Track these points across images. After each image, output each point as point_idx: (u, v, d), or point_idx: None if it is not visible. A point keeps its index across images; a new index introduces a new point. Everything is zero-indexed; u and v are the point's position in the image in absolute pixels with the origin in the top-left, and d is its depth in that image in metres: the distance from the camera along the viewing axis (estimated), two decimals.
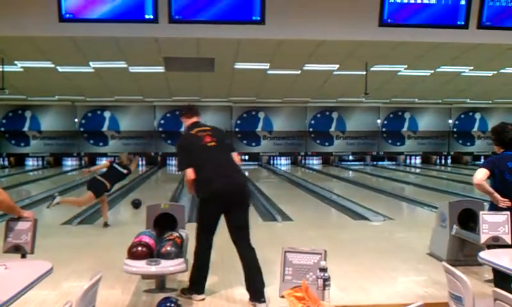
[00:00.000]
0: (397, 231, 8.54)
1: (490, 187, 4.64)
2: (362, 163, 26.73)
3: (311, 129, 26.33)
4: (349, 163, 26.79)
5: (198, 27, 7.77)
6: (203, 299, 4.79)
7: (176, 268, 4.52)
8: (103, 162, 9.64)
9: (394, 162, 26.82)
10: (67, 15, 7.43)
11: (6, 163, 24.43)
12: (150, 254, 4.61)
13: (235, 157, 5.00)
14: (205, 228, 4.80)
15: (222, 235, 8.22)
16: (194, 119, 5.11)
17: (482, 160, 22.89)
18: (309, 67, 15.26)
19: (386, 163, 26.61)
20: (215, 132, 4.96)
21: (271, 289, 4.48)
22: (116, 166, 9.00)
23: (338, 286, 5.04)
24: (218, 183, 4.63)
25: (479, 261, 3.90)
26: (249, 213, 4.86)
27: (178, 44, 11.65)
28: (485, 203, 5.68)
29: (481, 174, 4.59)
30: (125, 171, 8.97)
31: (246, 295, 4.84)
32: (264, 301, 4.54)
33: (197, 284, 4.83)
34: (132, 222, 8.23)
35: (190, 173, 4.72)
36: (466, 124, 27.12)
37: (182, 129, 22.43)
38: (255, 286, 4.63)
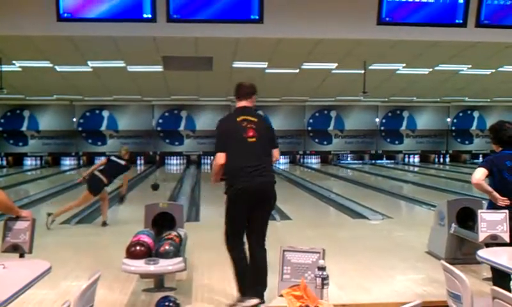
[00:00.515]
0: (395, 230, 8.55)
1: (489, 186, 4.64)
2: (361, 161, 26.75)
3: (309, 128, 26.34)
4: (348, 160, 26.82)
5: (196, 26, 7.76)
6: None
7: (174, 267, 4.52)
8: (99, 161, 9.54)
9: (393, 161, 26.84)
10: (65, 15, 7.42)
11: (4, 163, 24.41)
12: (149, 253, 4.61)
13: (275, 152, 4.75)
14: (236, 230, 4.61)
15: (218, 232, 8.24)
16: (243, 104, 4.73)
17: (481, 158, 22.99)
18: (307, 66, 15.25)
19: (384, 161, 26.63)
20: (259, 126, 4.63)
21: (270, 288, 4.48)
22: (114, 159, 8.99)
23: (336, 284, 5.04)
24: (246, 181, 4.43)
25: (477, 259, 3.90)
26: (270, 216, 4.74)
27: (176, 43, 11.64)
28: (483, 202, 5.68)
29: (479, 174, 4.58)
30: (122, 162, 8.94)
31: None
32: (263, 302, 4.52)
33: (247, 288, 4.59)
34: (131, 221, 8.22)
35: (221, 158, 4.50)
36: (465, 122, 27.12)
37: (181, 128, 22.29)
38: (258, 287, 4.54)
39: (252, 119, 4.63)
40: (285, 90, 20.73)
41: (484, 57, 13.98)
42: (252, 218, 4.59)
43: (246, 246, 4.68)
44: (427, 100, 25.11)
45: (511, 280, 4.46)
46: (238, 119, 4.61)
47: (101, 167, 8.85)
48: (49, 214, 8.52)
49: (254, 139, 4.53)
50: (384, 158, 27.00)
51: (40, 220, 7.45)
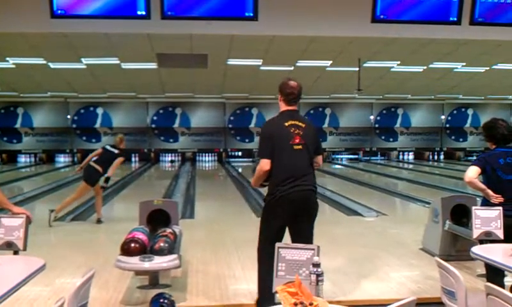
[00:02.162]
0: (390, 227, 8.56)
1: (482, 184, 4.64)
2: (356, 156, 26.77)
3: None
4: (342, 155, 26.85)
5: (191, 23, 7.74)
6: None
7: (169, 264, 4.51)
8: (95, 151, 9.42)
9: (385, 157, 26.90)
10: (59, 11, 7.38)
11: None
12: (143, 250, 4.60)
13: (319, 159, 4.58)
14: (268, 237, 4.28)
15: (212, 230, 8.24)
16: (291, 108, 4.43)
17: (475, 156, 23.05)
18: (302, 63, 15.24)
19: (378, 158, 26.68)
20: (306, 132, 4.37)
21: None
22: (108, 148, 8.98)
23: (331, 281, 5.05)
24: (287, 190, 4.22)
25: (471, 256, 3.91)
26: (313, 225, 4.44)
27: (171, 40, 11.61)
28: (478, 198, 5.70)
29: (472, 172, 4.58)
30: (116, 151, 8.91)
31: (238, 290, 4.86)
32: None
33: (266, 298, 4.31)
34: (125, 218, 8.20)
35: (266, 164, 4.26)
36: (459, 120, 27.21)
37: (176, 125, 22.19)
38: None
39: (301, 124, 4.38)
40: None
41: (478, 54, 14.02)
42: (295, 230, 4.37)
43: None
44: (421, 97, 25.16)
45: (505, 276, 4.49)
46: (286, 124, 4.34)
47: (96, 158, 8.85)
48: (52, 210, 8.52)
49: (300, 147, 4.30)
50: (379, 156, 27.06)
51: (34, 217, 7.43)
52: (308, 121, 4.57)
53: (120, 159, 8.90)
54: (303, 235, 4.21)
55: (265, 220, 4.40)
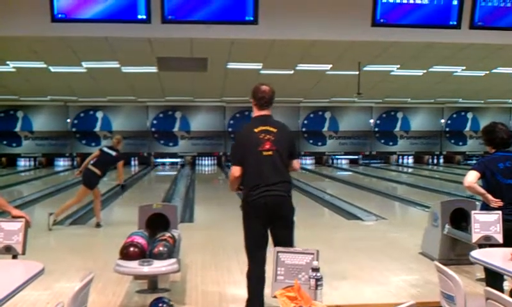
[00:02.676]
0: (389, 231, 8.56)
1: (481, 188, 4.64)
2: (356, 157, 26.73)
3: (304, 129, 26.35)
4: (342, 157, 26.84)
5: (191, 27, 7.75)
6: None
7: (168, 268, 4.50)
8: (93, 154, 9.39)
9: (383, 161, 26.89)
10: (59, 15, 7.39)
11: None
12: (142, 254, 4.59)
13: (295, 163, 4.49)
14: (251, 244, 4.34)
15: (211, 234, 8.24)
16: (263, 113, 4.43)
17: (475, 160, 23.05)
18: (302, 67, 15.25)
19: (378, 162, 26.66)
20: (278, 137, 4.33)
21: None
22: (106, 150, 8.98)
23: (330, 286, 5.04)
24: (258, 195, 4.18)
25: (470, 260, 3.91)
26: (293, 230, 4.35)
27: (171, 44, 11.63)
28: (477, 203, 5.70)
29: (472, 177, 4.58)
30: (113, 153, 8.91)
31: (238, 295, 4.85)
32: None
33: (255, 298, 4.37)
34: (125, 222, 8.20)
35: (235, 171, 4.29)
36: (459, 124, 27.22)
37: (175, 129, 22.22)
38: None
39: (272, 129, 4.34)
40: (279, 91, 20.41)
41: (477, 58, 14.02)
42: (273, 235, 4.31)
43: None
44: (421, 101, 25.18)
45: (504, 281, 4.49)
46: (256, 130, 4.32)
47: (93, 160, 8.85)
48: (51, 214, 8.52)
49: (270, 153, 4.25)
50: (378, 159, 27.05)
51: (33, 221, 7.42)
52: (282, 125, 4.52)
53: (121, 163, 8.96)
54: (282, 241, 4.10)
55: (244, 224, 4.37)
